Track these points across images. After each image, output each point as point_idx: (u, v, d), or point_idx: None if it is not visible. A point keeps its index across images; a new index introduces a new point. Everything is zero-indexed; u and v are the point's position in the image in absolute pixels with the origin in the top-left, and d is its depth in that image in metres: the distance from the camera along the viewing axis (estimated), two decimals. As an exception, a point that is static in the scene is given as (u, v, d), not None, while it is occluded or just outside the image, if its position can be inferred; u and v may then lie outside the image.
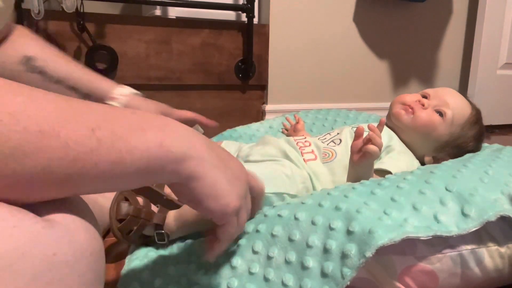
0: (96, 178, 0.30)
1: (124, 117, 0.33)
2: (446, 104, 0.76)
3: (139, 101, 0.79)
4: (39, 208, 0.29)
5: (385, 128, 0.77)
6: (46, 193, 0.30)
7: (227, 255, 0.50)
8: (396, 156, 0.72)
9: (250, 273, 0.47)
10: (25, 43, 0.73)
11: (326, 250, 0.43)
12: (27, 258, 0.26)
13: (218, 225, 0.42)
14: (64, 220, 0.30)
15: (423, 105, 0.77)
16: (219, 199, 0.39)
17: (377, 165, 0.69)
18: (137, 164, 0.32)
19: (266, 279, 0.46)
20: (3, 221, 0.26)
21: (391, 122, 0.80)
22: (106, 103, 0.75)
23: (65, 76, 0.74)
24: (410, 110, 0.77)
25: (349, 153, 0.64)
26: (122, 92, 0.78)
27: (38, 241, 0.27)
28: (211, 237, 0.45)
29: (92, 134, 0.29)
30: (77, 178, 0.30)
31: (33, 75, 0.73)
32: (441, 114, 0.76)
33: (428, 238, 0.42)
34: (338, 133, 0.79)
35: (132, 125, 0.33)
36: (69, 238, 0.29)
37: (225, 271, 0.48)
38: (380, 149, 0.59)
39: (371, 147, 0.58)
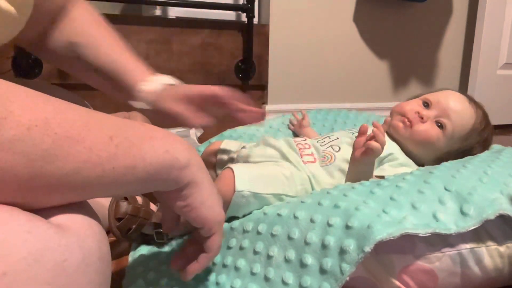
0: (112, 182, 0.33)
1: (134, 127, 0.36)
2: (447, 115, 0.73)
3: (165, 93, 0.67)
4: (48, 212, 0.30)
5: (388, 137, 0.76)
6: (67, 196, 0.31)
7: (233, 257, 0.50)
8: (399, 167, 0.71)
9: (252, 274, 0.47)
10: (74, 27, 0.65)
11: (324, 246, 0.43)
12: (40, 264, 0.26)
13: (204, 237, 0.43)
14: (73, 225, 0.31)
15: (422, 117, 0.74)
16: (212, 207, 0.42)
17: (378, 171, 0.69)
18: (148, 169, 0.35)
19: (266, 279, 0.46)
20: (18, 226, 0.27)
21: (391, 130, 0.78)
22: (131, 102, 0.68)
23: (103, 64, 0.66)
24: (408, 123, 0.75)
25: (348, 159, 0.64)
26: (147, 88, 0.67)
27: (50, 247, 0.27)
28: (185, 255, 0.46)
29: (111, 141, 0.32)
30: (96, 182, 0.32)
31: (76, 61, 0.65)
32: (441, 126, 0.73)
33: (427, 235, 0.42)
34: (337, 138, 0.78)
35: (141, 134, 0.36)
36: (79, 244, 0.30)
37: (230, 272, 0.49)
38: (382, 148, 0.58)
39: (374, 143, 0.57)
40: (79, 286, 0.29)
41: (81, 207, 0.33)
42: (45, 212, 0.30)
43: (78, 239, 0.30)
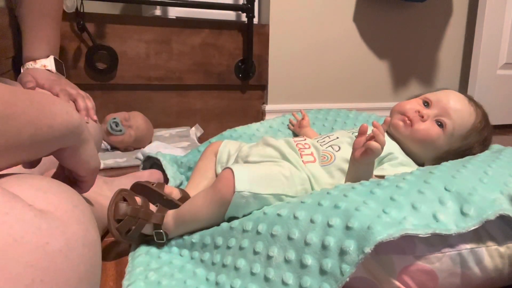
0: (37, 142, 0.36)
1: (42, 95, 0.40)
2: (447, 114, 0.73)
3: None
4: (30, 197, 0.31)
5: (388, 136, 0.76)
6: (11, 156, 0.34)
7: (233, 257, 0.50)
8: (398, 166, 0.71)
9: (252, 274, 0.47)
10: None
11: (324, 247, 0.43)
12: (21, 245, 0.26)
13: (80, 180, 0.49)
14: (56, 211, 0.31)
15: (422, 116, 0.74)
16: (93, 160, 0.47)
17: (378, 171, 0.68)
18: (59, 128, 0.40)
19: (266, 279, 0.46)
20: None
21: (391, 130, 0.79)
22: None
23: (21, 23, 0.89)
24: (408, 122, 0.75)
25: (348, 159, 0.63)
26: (29, 66, 0.89)
27: (30, 228, 0.28)
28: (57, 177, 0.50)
29: (31, 104, 0.36)
30: (29, 141, 0.35)
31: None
32: (441, 124, 0.73)
33: (427, 235, 0.42)
34: (337, 138, 0.78)
35: (47, 101, 0.40)
36: (62, 229, 0.30)
37: (230, 272, 0.49)
38: (382, 148, 0.58)
39: (374, 143, 0.57)
40: (63, 269, 0.28)
41: (66, 196, 0.34)
42: (26, 197, 0.30)
43: (61, 224, 0.30)
